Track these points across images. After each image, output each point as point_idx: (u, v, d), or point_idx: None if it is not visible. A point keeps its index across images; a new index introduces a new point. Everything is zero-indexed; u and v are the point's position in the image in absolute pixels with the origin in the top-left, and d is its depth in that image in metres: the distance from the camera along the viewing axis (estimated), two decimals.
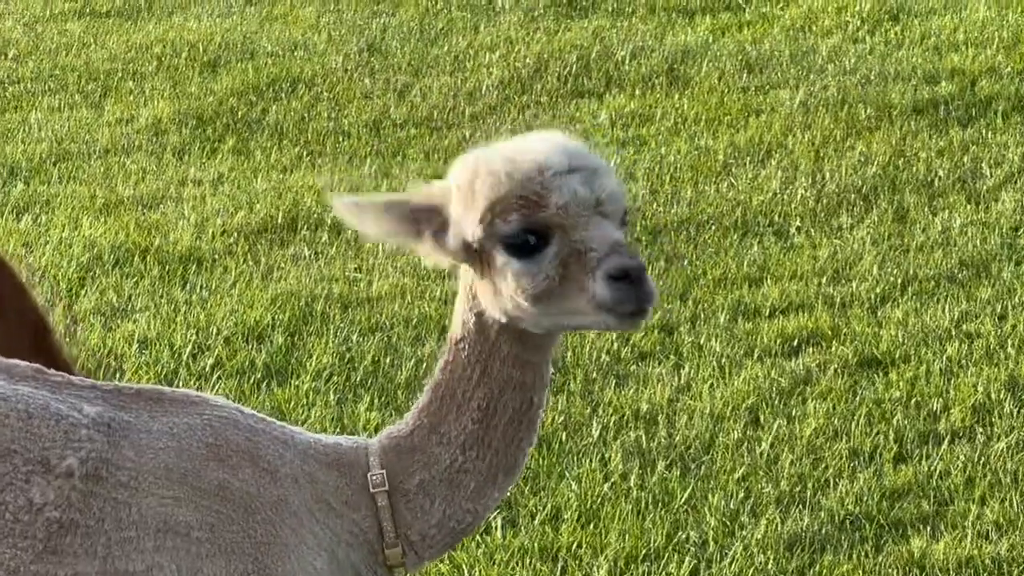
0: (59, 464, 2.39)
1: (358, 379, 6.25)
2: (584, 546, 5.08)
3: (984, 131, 8.85)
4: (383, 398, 6.09)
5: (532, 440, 2.55)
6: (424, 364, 6.28)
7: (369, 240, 2.79)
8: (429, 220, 2.45)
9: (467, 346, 2.48)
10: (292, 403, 6.04)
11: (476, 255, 2.42)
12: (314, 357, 6.42)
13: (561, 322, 2.42)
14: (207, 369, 6.40)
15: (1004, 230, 7.51)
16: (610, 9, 11.30)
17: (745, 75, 10.01)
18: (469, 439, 2.48)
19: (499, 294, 2.41)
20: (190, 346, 6.57)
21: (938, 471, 5.45)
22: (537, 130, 2.51)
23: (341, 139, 9.24)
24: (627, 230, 2.47)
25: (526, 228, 2.36)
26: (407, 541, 2.52)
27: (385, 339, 6.60)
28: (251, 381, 6.28)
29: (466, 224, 2.41)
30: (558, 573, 4.96)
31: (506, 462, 2.52)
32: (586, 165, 2.40)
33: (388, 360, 6.39)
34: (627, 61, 10.24)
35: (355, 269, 7.28)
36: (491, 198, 2.38)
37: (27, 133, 9.55)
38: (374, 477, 2.50)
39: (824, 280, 7.04)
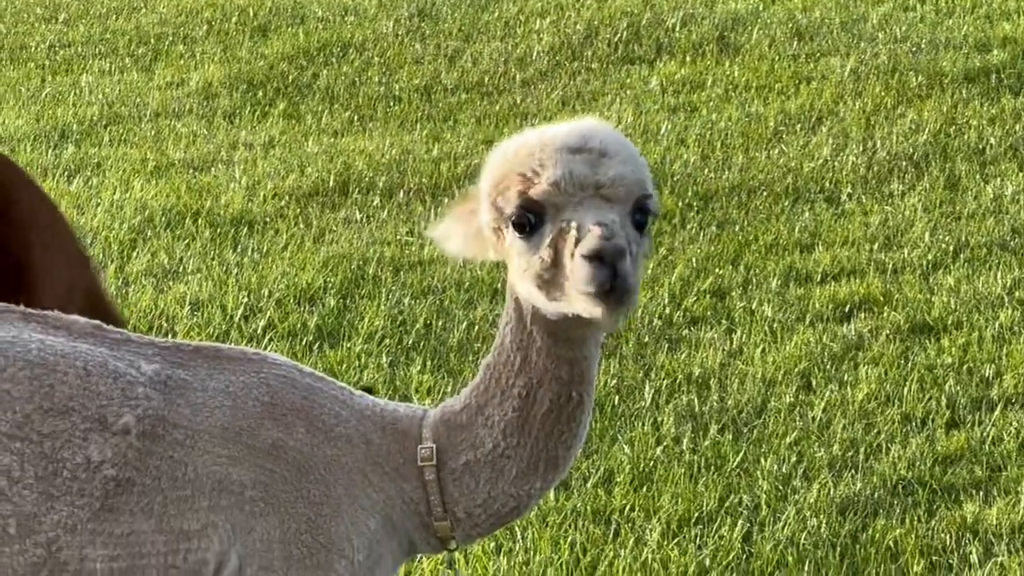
0: (116, 422, 2.39)
1: (410, 342, 6.27)
2: (636, 509, 5.10)
3: None
4: (435, 361, 6.11)
5: (576, 436, 2.47)
6: (476, 327, 6.32)
7: (463, 259, 2.78)
8: (474, 225, 2.43)
9: (509, 332, 2.44)
10: (344, 365, 6.08)
11: (497, 234, 2.38)
12: (366, 320, 6.45)
13: (562, 309, 2.31)
14: (259, 331, 6.44)
15: None
16: None
17: (795, 43, 9.96)
18: (509, 426, 2.45)
19: (513, 273, 2.38)
20: (242, 308, 6.61)
21: (991, 437, 5.44)
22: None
23: (392, 104, 9.28)
24: (649, 219, 2.36)
25: (522, 205, 2.30)
26: (454, 517, 2.50)
27: (437, 302, 6.62)
28: (303, 343, 6.32)
29: (483, 206, 2.38)
30: (610, 536, 4.98)
31: (547, 454, 2.46)
32: (595, 147, 2.31)
33: (440, 323, 6.42)
34: (677, 28, 10.21)
35: (407, 232, 7.31)
36: (496, 175, 2.36)
37: (78, 96, 9.62)
38: (423, 451, 2.48)
39: (876, 246, 7.01)
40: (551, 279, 2.28)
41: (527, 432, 2.44)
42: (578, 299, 2.26)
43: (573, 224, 2.25)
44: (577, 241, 2.23)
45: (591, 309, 2.25)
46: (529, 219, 2.30)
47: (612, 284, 2.22)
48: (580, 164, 2.29)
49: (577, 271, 2.23)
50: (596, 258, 2.20)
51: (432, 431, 2.49)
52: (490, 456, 2.47)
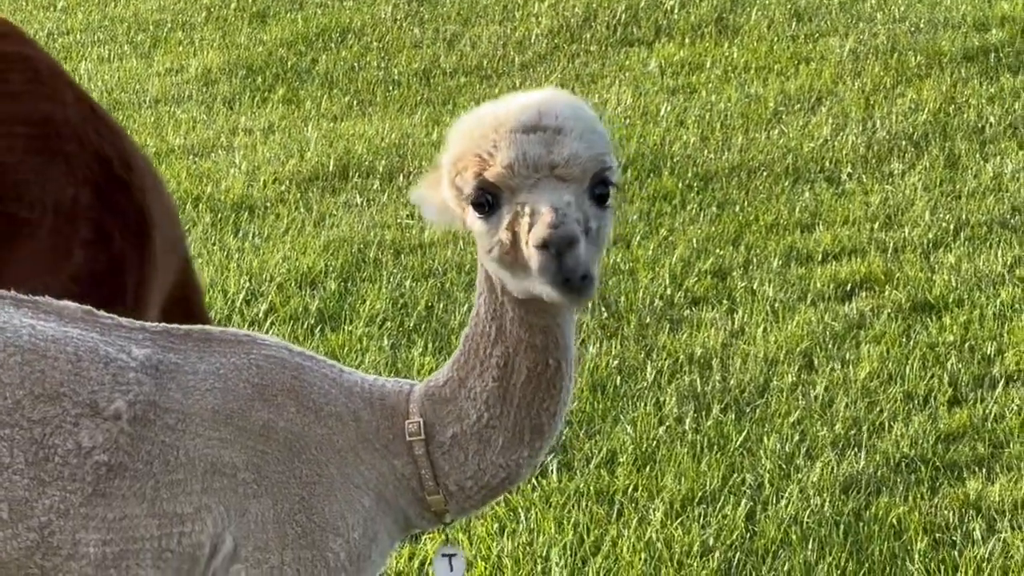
0: (107, 407, 2.39)
1: (411, 324, 6.27)
2: (640, 489, 5.10)
3: None
4: (437, 343, 6.11)
5: (559, 401, 2.44)
6: None
7: (438, 227, 2.91)
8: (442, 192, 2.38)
9: (483, 303, 2.41)
10: (346, 348, 6.08)
11: (459, 212, 2.35)
12: (367, 303, 6.45)
13: (528, 288, 2.28)
14: (260, 315, 6.45)
15: None
16: None
17: (794, 23, 9.96)
18: (491, 397, 2.43)
19: (480, 253, 2.36)
20: (243, 293, 6.61)
21: (993, 414, 5.45)
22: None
23: (391, 88, 9.28)
24: (611, 193, 2.31)
25: (479, 186, 2.26)
26: (446, 491, 2.49)
27: (438, 285, 6.63)
28: (304, 327, 6.32)
29: (444, 183, 2.35)
30: (614, 516, 4.99)
31: (531, 422, 2.44)
32: (550, 125, 2.25)
33: (441, 306, 6.42)
34: (676, 10, 10.20)
35: (407, 216, 7.32)
36: (454, 155, 2.31)
37: (78, 82, 9.60)
38: (411, 426, 2.47)
39: (876, 226, 7.02)
40: (512, 260, 2.26)
41: (509, 401, 2.43)
42: (537, 283, 2.24)
43: (527, 208, 2.21)
44: (531, 227, 2.20)
45: (550, 294, 2.24)
46: (488, 199, 2.26)
47: (568, 265, 2.19)
48: (534, 144, 2.23)
49: (532, 259, 2.21)
50: (550, 243, 2.17)
51: (418, 405, 2.47)
52: (475, 427, 2.45)
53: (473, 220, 2.30)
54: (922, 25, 9.76)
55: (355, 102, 9.08)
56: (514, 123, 2.25)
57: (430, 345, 6.09)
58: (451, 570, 2.63)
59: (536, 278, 2.22)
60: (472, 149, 2.27)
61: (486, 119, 2.29)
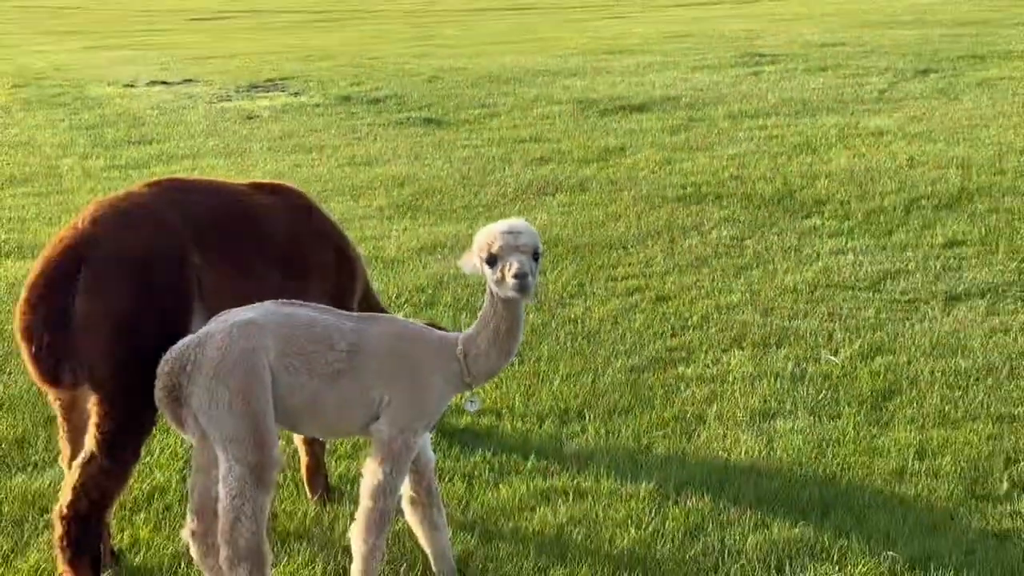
0: (338, 345, 4.98)
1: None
2: None
3: None
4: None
5: (516, 343, 5.09)
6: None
7: (469, 275, 5.25)
8: (470, 261, 5.08)
9: (488, 300, 5.08)
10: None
11: (482, 268, 4.97)
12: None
13: (505, 293, 4.91)
14: None
15: None
16: None
17: None
18: (489, 340, 5.07)
19: (488, 282, 4.98)
20: None
21: None
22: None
23: None
24: (540, 256, 4.95)
25: (490, 255, 4.90)
26: (471, 375, 5.14)
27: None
28: None
29: (475, 257, 4.99)
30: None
31: (504, 350, 5.08)
32: (512, 230, 4.88)
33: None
34: None
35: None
36: (479, 243, 4.95)
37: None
38: (458, 350, 5.13)
39: None
40: (499, 282, 4.90)
41: (496, 342, 5.06)
42: (510, 291, 4.87)
43: (509, 262, 4.86)
44: (511, 267, 4.83)
45: (515, 296, 4.89)
46: (493, 260, 4.91)
47: (523, 286, 4.83)
48: (510, 238, 4.87)
49: (510, 281, 4.84)
50: (516, 276, 4.83)
51: (462, 343, 5.14)
52: (483, 351, 5.09)
53: (486, 268, 4.93)
54: None
55: None
56: (499, 230, 4.92)
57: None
58: (475, 407, 5.60)
59: (510, 289, 4.86)
60: (486, 241, 4.93)
61: (490, 230, 4.94)
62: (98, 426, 5.11)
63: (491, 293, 5.01)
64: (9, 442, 7.04)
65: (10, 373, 8.02)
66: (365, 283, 6.42)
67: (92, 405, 5.14)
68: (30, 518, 6.12)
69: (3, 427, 7.25)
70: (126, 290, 5.05)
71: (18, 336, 5.05)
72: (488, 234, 4.93)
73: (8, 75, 28.08)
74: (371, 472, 5.08)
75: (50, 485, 6.39)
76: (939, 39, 28.07)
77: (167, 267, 5.17)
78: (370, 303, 6.39)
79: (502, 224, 4.95)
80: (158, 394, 4.90)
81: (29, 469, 6.70)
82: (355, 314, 5.21)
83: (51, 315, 4.96)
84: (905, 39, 28.48)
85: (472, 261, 5.01)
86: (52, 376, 4.99)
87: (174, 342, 5.03)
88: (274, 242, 5.66)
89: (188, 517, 5.08)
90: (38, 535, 5.94)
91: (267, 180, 6.19)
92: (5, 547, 5.85)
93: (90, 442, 5.13)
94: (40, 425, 7.21)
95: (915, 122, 17.28)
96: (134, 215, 5.26)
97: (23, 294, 5.05)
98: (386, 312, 6.33)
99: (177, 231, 5.28)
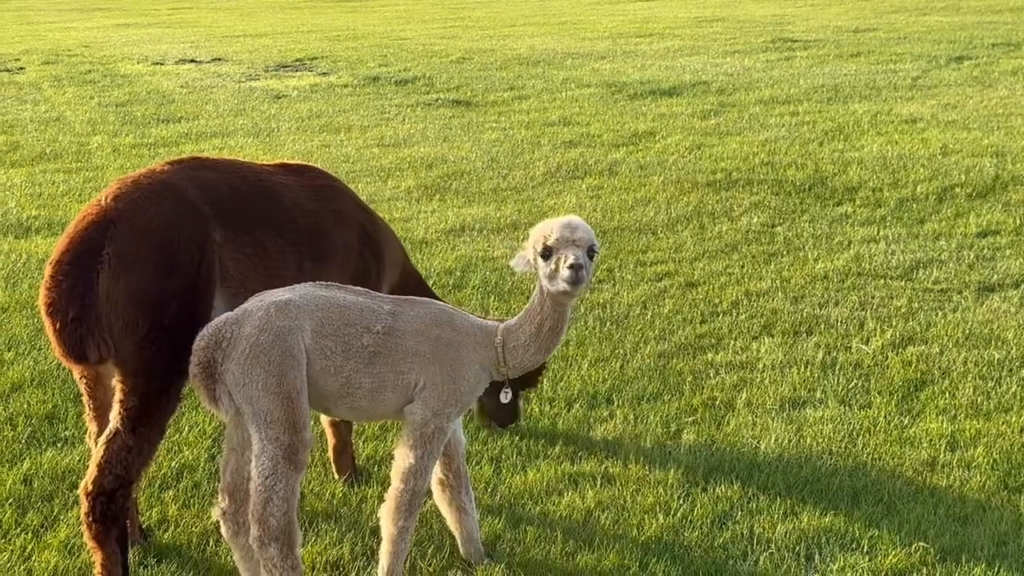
0: (374, 327, 4.95)
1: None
2: None
3: None
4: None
5: (558, 340, 5.09)
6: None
7: (520, 272, 5.11)
8: (524, 257, 5.03)
9: (536, 296, 5.03)
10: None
11: (535, 262, 4.93)
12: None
13: (557, 288, 4.87)
14: None
15: None
16: None
17: None
18: (531, 334, 5.06)
19: (540, 277, 4.94)
20: None
21: None
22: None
23: None
24: (596, 253, 4.92)
25: (545, 247, 4.85)
26: (507, 366, 5.13)
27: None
28: None
29: (529, 251, 4.94)
30: None
31: (544, 346, 5.06)
32: (570, 224, 4.84)
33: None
34: None
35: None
36: (535, 237, 4.90)
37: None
38: (497, 340, 5.12)
39: None
40: (551, 275, 4.86)
41: (538, 337, 5.05)
42: (563, 284, 4.82)
43: (564, 255, 4.81)
44: (565, 260, 4.79)
45: (566, 288, 4.83)
46: (548, 252, 4.86)
47: (577, 278, 4.79)
48: (567, 232, 4.83)
49: (564, 272, 4.80)
50: (571, 267, 4.79)
51: (501, 333, 5.13)
52: (523, 344, 5.08)
53: (539, 262, 4.90)
54: None
55: None
56: (557, 224, 4.87)
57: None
58: (507, 398, 5.48)
59: (563, 280, 4.81)
60: (543, 234, 4.89)
61: (547, 225, 4.91)
62: (122, 403, 5.10)
63: (541, 290, 4.98)
64: (40, 418, 7.06)
65: (40, 349, 8.03)
66: (403, 267, 6.42)
67: (116, 382, 5.14)
68: (60, 493, 6.14)
69: (33, 403, 7.27)
70: (149, 267, 5.05)
71: (42, 312, 5.03)
72: (545, 227, 4.90)
73: (38, 52, 28.13)
74: (403, 455, 5.05)
75: (80, 461, 6.40)
76: (974, 26, 27.87)
77: (189, 244, 5.17)
78: (410, 286, 6.32)
79: (560, 219, 4.92)
80: (192, 369, 4.87)
81: (59, 445, 6.71)
82: (393, 297, 5.16)
83: (75, 291, 4.95)
84: (939, 25, 28.28)
85: (526, 257, 4.97)
86: (76, 352, 4.97)
87: (197, 319, 5.04)
88: (295, 222, 5.65)
89: (219, 496, 5.08)
90: (68, 510, 5.95)
91: (295, 160, 6.16)
92: (36, 522, 5.87)
93: (115, 419, 5.13)
94: (70, 401, 7.22)
95: (949, 110, 17.15)
96: (157, 192, 5.26)
97: (48, 270, 5.04)
98: (433, 295, 6.28)
99: (199, 209, 5.28)
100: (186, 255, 5.14)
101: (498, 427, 6.65)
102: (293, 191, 5.74)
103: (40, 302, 5.07)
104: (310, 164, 6.18)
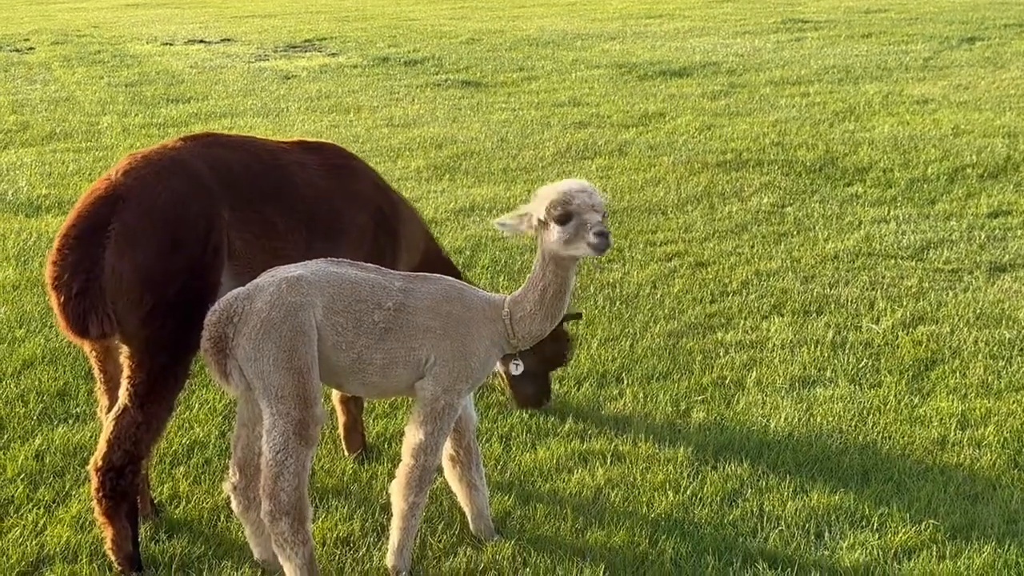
0: (385, 304, 4.95)
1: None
2: None
3: None
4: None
5: (563, 307, 5.07)
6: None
7: (508, 234, 5.07)
8: (523, 219, 4.99)
9: (538, 263, 5.03)
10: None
11: (540, 226, 4.91)
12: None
13: (573, 252, 4.89)
14: None
15: None
16: None
17: None
18: (536, 303, 5.05)
19: (549, 242, 4.92)
20: None
21: None
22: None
23: None
24: (606, 217, 4.86)
25: (562, 214, 4.82)
26: (516, 338, 5.12)
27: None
28: None
29: (536, 212, 4.89)
30: None
31: (550, 313, 5.06)
32: (586, 189, 4.85)
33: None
34: None
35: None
36: (550, 201, 4.86)
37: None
38: (504, 312, 5.11)
39: None
40: (569, 240, 4.83)
41: (542, 304, 5.05)
42: (585, 249, 4.84)
43: (589, 220, 4.82)
44: (590, 226, 4.81)
45: (593, 253, 4.85)
46: (567, 217, 4.83)
47: (606, 244, 4.81)
48: (586, 197, 4.85)
49: (593, 240, 4.79)
50: (601, 235, 4.80)
51: (508, 304, 5.12)
52: (529, 313, 5.08)
53: (554, 227, 4.87)
54: None
55: None
56: (577, 188, 4.88)
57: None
58: (518, 369, 5.58)
59: (592, 248, 4.82)
60: (560, 199, 4.85)
61: (563, 187, 4.90)
62: (130, 379, 5.11)
63: (543, 255, 4.97)
64: (51, 394, 7.08)
65: (51, 327, 8.05)
66: (425, 249, 6.42)
67: (124, 358, 5.14)
68: (72, 469, 6.16)
69: (45, 379, 7.29)
70: (156, 243, 5.04)
71: (48, 286, 5.03)
72: (561, 192, 4.86)
73: (48, 32, 28.14)
74: (413, 431, 5.06)
75: (91, 437, 6.42)
76: (986, 6, 27.76)
77: (197, 221, 5.16)
78: (434, 266, 6.27)
79: (572, 183, 4.90)
80: (204, 344, 4.87)
81: (70, 421, 6.74)
82: (404, 273, 5.15)
83: (80, 266, 4.93)
84: (951, 6, 28.18)
85: (527, 220, 4.94)
86: (80, 327, 4.96)
87: (203, 296, 5.04)
88: (305, 201, 5.63)
89: (230, 471, 5.09)
90: (79, 486, 5.97)
91: (312, 139, 6.14)
92: (47, 497, 5.89)
93: (123, 395, 5.14)
94: (81, 378, 7.24)
95: (960, 90, 17.10)
96: (167, 168, 5.24)
97: (54, 244, 5.04)
98: (460, 276, 6.27)
99: (208, 185, 5.27)
100: (193, 232, 5.13)
101: (533, 407, 6.75)
102: (307, 170, 5.72)
103: (46, 276, 5.06)
104: (329, 142, 6.16)
